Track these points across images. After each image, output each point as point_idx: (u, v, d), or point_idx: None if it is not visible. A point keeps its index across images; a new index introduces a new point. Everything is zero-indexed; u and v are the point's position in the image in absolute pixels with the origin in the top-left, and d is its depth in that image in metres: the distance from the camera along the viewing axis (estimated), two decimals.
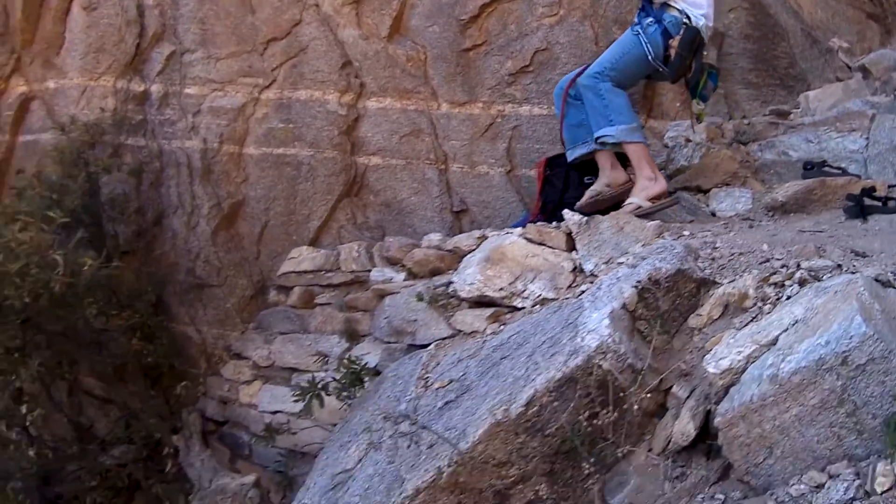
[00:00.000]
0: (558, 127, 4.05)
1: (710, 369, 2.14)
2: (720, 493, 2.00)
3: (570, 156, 3.87)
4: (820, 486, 1.76)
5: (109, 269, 4.42)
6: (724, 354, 2.15)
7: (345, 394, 3.65)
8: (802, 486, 1.79)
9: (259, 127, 5.11)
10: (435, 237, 4.06)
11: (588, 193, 3.75)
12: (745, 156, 4.15)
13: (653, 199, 3.57)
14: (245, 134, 5.13)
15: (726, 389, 2.08)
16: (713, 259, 2.72)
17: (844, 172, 3.60)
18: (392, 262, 4.19)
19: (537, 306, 3.20)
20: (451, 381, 2.91)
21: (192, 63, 5.23)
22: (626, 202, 3.62)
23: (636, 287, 2.52)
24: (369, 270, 4.22)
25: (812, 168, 3.64)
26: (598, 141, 3.66)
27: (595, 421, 2.25)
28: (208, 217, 5.07)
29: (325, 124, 4.97)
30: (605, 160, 3.78)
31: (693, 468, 2.14)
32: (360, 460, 2.96)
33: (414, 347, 3.64)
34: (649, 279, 2.53)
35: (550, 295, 3.20)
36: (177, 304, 5.15)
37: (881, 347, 1.74)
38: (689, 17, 3.64)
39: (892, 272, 2.23)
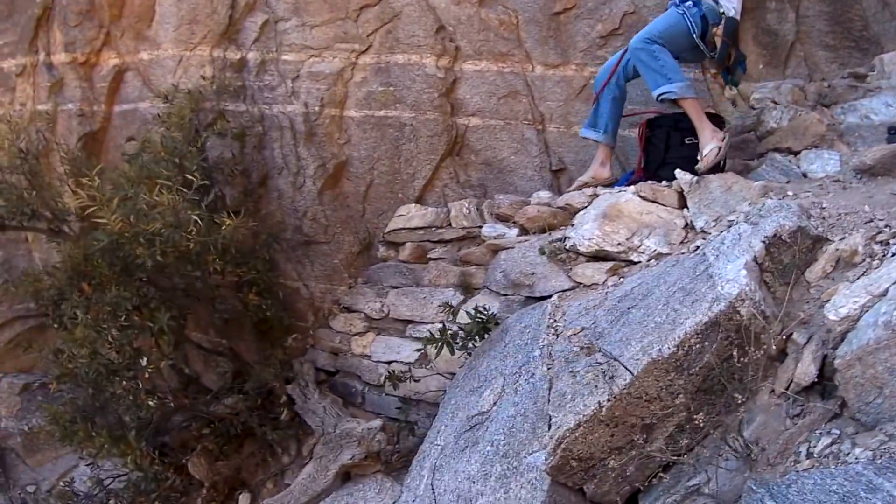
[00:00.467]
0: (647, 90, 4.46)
1: (831, 316, 2.47)
2: (836, 429, 2.25)
3: (584, 133, 4.46)
4: None
5: (232, 229, 4.68)
6: (842, 303, 2.45)
7: (471, 343, 3.92)
8: None
9: (359, 90, 5.36)
10: (545, 194, 4.34)
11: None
12: (830, 118, 4.39)
13: (721, 140, 3.91)
14: (345, 97, 5.39)
15: (843, 335, 2.36)
16: (823, 218, 3.02)
17: None
18: (502, 219, 4.47)
19: (652, 260, 3.51)
20: (582, 329, 3.20)
21: (286, 31, 5.48)
22: (706, 150, 3.92)
23: (764, 242, 2.81)
24: (480, 226, 4.50)
25: None
26: (660, 98, 3.97)
27: (733, 362, 2.53)
28: (314, 177, 5.37)
29: (424, 87, 5.22)
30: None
31: (811, 407, 2.40)
32: (496, 403, 3.26)
33: (532, 300, 3.92)
34: (775, 235, 2.82)
35: (665, 250, 3.52)
36: (284, 261, 5.46)
37: None
38: (723, 9, 4.06)
39: None
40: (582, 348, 3.03)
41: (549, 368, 3.08)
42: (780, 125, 4.42)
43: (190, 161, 4.84)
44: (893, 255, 2.56)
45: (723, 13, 4.09)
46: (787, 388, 2.49)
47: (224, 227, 4.53)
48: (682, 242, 3.55)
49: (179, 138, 5.00)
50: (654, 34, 4.04)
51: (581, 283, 3.73)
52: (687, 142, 4.19)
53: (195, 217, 4.42)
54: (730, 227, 3.22)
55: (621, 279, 3.51)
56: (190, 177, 4.62)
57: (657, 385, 2.60)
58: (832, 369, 2.32)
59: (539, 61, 5.13)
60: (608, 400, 2.61)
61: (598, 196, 4.03)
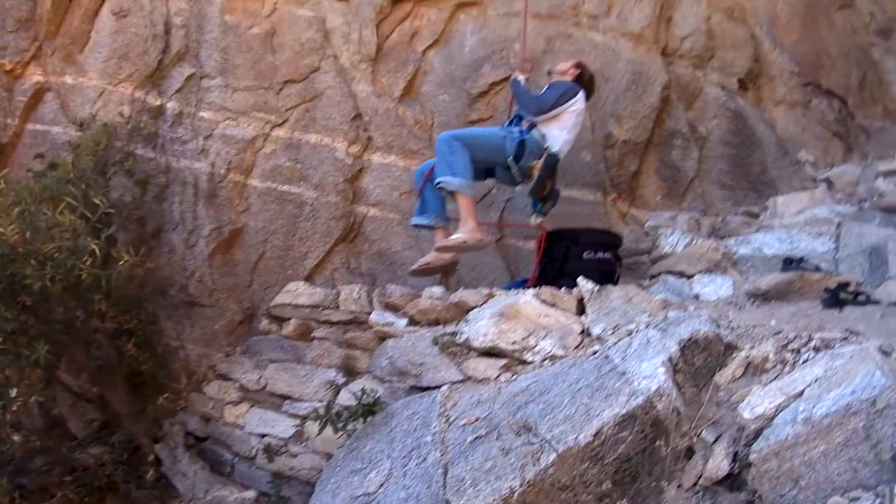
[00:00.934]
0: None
1: (745, 415, 2.69)
2: None
3: (414, 221, 4.66)
4: None
5: (128, 266, 4.55)
6: (757, 403, 2.68)
7: (352, 424, 3.93)
8: None
9: (266, 162, 5.45)
10: (437, 290, 4.43)
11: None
12: (724, 248, 4.71)
13: (471, 243, 4.32)
14: (252, 165, 5.47)
15: (757, 433, 2.59)
16: (731, 328, 3.31)
17: (818, 269, 4.12)
18: (392, 308, 4.54)
19: (546, 361, 3.62)
20: (477, 419, 3.27)
21: (209, 89, 5.56)
22: (456, 235, 4.32)
23: (680, 345, 3.03)
24: (368, 313, 4.56)
25: (791, 263, 4.19)
26: (438, 185, 4.30)
27: (646, 454, 2.71)
28: (208, 238, 5.35)
29: (331, 170, 5.36)
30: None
31: (722, 500, 2.60)
32: (382, 485, 3.29)
33: (417, 389, 3.97)
34: (690, 338, 3.06)
35: (559, 352, 3.64)
36: (165, 318, 5.39)
37: (895, 396, 2.34)
38: (549, 144, 4.44)
39: (888, 344, 2.83)
40: (478, 437, 3.13)
41: (442, 454, 3.17)
42: (674, 250, 4.74)
43: (96, 190, 4.76)
44: (805, 361, 2.87)
45: (546, 148, 4.43)
46: (695, 484, 2.69)
47: (121, 263, 4.42)
48: (577, 347, 3.70)
49: (90, 165, 4.92)
50: (463, 136, 4.40)
51: (472, 377, 3.84)
52: (586, 256, 4.52)
53: (93, 246, 4.31)
54: (630, 335, 3.40)
55: (514, 376, 3.64)
56: (97, 201, 4.56)
57: (571, 474, 2.71)
58: (745, 464, 2.55)
59: None
60: (520, 485, 2.73)
61: (493, 296, 4.17)
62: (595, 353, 3.39)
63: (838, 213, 4.83)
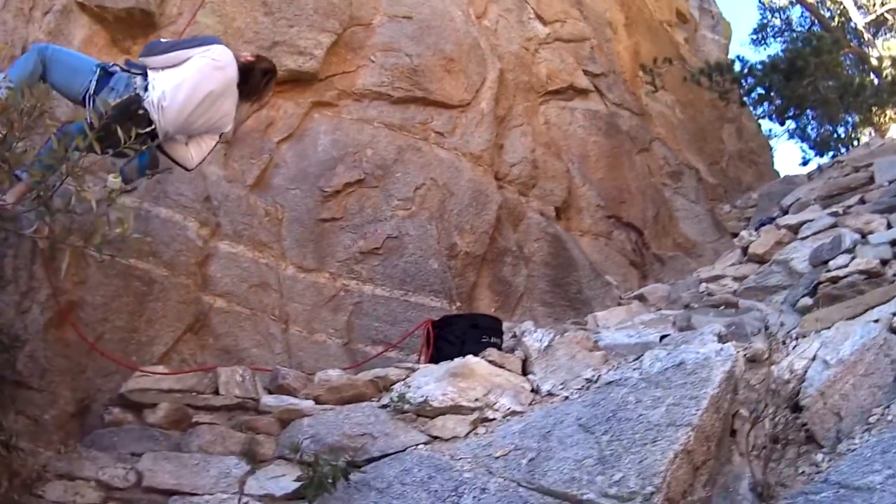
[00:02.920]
0: (398, 310, 5.65)
1: (785, 376, 3.91)
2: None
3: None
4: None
5: None
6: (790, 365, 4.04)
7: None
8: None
9: (110, 231, 5.42)
10: (334, 373, 5.03)
11: None
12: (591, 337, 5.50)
13: None
14: (93, 232, 5.56)
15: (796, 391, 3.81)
16: None
17: None
18: (285, 391, 4.96)
19: (507, 417, 4.32)
20: (514, 449, 3.88)
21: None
22: None
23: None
24: (255, 398, 4.86)
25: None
26: None
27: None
28: (44, 306, 4.88)
29: (183, 248, 5.55)
30: None
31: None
32: None
33: (360, 463, 4.15)
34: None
35: (518, 408, 4.38)
36: None
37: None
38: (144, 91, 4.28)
39: None
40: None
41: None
42: (541, 343, 5.38)
43: None
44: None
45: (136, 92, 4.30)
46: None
47: None
48: (531, 403, 4.47)
49: None
50: (50, 49, 4.44)
51: (439, 437, 4.32)
52: (483, 340, 5.31)
53: None
54: (581, 388, 4.34)
55: (490, 430, 4.23)
56: None
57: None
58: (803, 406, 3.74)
59: (294, 262, 6.00)
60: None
61: (415, 370, 4.88)
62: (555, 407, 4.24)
63: (666, 315, 6.08)
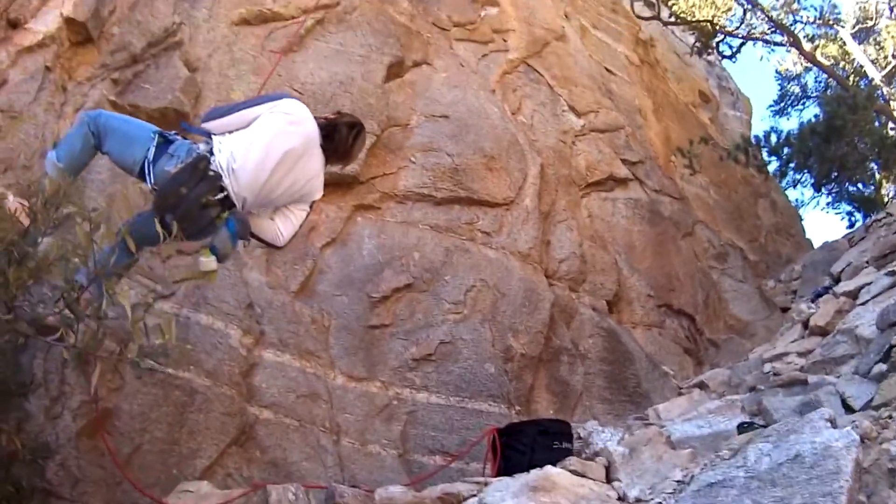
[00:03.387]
0: (455, 417, 5.33)
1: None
2: None
3: None
4: None
5: None
6: None
7: None
8: None
9: (150, 341, 5.43)
10: (396, 489, 4.66)
11: None
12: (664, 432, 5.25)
13: None
14: (129, 338, 5.41)
15: None
16: None
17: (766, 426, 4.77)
18: None
19: None
20: None
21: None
22: None
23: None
24: None
25: (746, 425, 4.75)
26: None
27: None
28: (76, 413, 4.74)
29: (225, 357, 5.42)
30: None
31: None
32: None
33: None
34: None
35: None
36: None
37: None
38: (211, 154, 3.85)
39: None
40: None
41: None
42: (608, 445, 5.19)
43: None
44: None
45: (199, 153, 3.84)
46: None
47: None
48: None
49: None
50: (105, 117, 4.09)
51: None
52: (555, 445, 5.07)
53: None
54: (673, 492, 3.99)
55: None
56: None
57: None
58: None
59: (343, 371, 5.80)
60: None
61: (487, 484, 4.56)
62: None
63: (732, 400, 5.73)
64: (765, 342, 8.09)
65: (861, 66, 16.50)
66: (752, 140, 10.24)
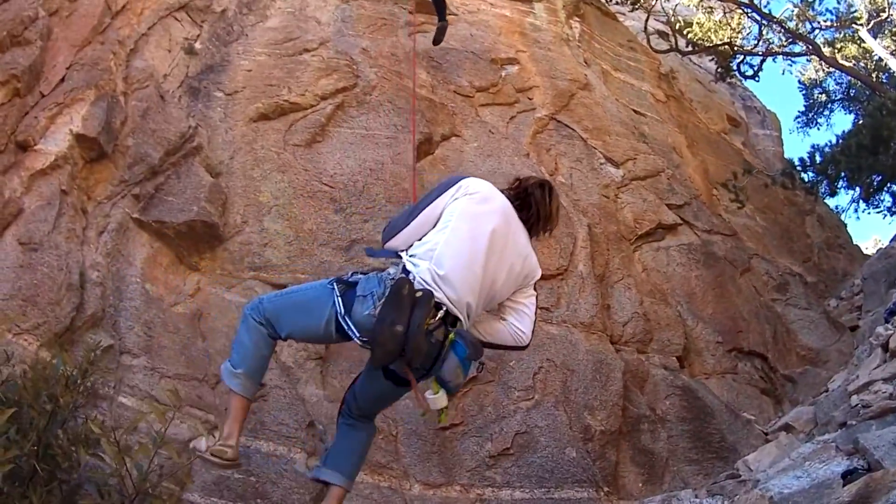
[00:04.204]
0: None
1: None
2: None
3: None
4: None
5: None
6: None
7: None
8: None
9: (207, 472, 5.03)
10: None
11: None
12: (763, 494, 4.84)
13: (215, 454, 3.59)
14: (188, 476, 5.17)
15: None
16: None
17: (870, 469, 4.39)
18: None
19: None
20: None
21: (131, 368, 5.21)
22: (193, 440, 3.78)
23: None
24: None
25: (851, 473, 4.38)
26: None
27: None
28: None
29: (293, 485, 5.16)
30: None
31: None
32: None
33: None
34: None
35: None
36: None
37: None
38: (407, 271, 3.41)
39: None
40: None
41: None
42: None
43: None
44: None
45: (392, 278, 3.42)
46: None
47: None
48: None
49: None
50: (269, 297, 3.76)
51: None
52: None
53: None
54: None
55: None
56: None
57: None
58: None
59: (419, 479, 5.49)
60: None
61: None
62: None
63: (824, 441, 5.33)
64: (840, 367, 7.74)
65: (882, 60, 16.17)
66: (797, 161, 9.90)
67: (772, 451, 5.95)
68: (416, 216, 3.55)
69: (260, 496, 5.11)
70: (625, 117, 9.28)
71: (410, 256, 3.44)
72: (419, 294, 3.25)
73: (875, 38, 16.74)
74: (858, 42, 16.96)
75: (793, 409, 6.99)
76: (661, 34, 12.40)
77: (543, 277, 6.53)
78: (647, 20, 12.90)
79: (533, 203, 3.68)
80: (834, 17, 16.47)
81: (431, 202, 3.56)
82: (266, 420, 5.43)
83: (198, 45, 7.51)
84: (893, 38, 16.98)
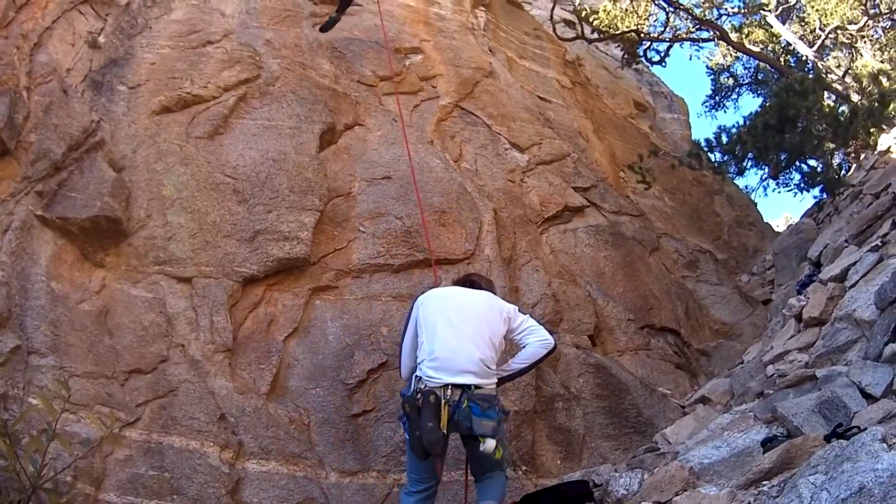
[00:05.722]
0: (462, 492, 5.14)
1: None
2: None
3: None
4: None
5: None
6: None
7: None
8: None
9: (121, 470, 5.06)
10: None
11: None
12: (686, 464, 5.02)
13: None
14: (102, 475, 5.01)
15: None
16: None
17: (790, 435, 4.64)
18: None
19: None
20: None
21: (40, 368, 5.17)
22: None
23: None
24: None
25: (771, 441, 4.61)
26: None
27: None
28: None
29: (208, 479, 5.15)
30: None
31: None
32: None
33: None
34: None
35: None
36: None
37: None
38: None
39: None
40: None
41: None
42: (629, 490, 5.11)
43: None
44: None
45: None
46: None
47: None
48: None
49: None
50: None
51: None
52: None
53: None
54: None
55: None
56: None
57: None
58: None
59: (334, 467, 5.52)
60: None
61: None
62: None
63: (742, 411, 5.61)
64: (754, 340, 8.09)
65: (790, 45, 16.72)
66: (703, 142, 10.19)
67: (689, 423, 6.20)
68: (403, 342, 4.70)
69: (175, 492, 5.13)
70: (530, 104, 9.47)
71: (419, 363, 4.45)
72: (419, 398, 4.29)
73: (784, 23, 17.30)
74: (766, 27, 17.50)
75: (709, 382, 7.25)
76: (568, 22, 12.65)
77: (450, 262, 6.73)
78: (552, 9, 13.17)
79: (470, 280, 4.98)
80: (742, 4, 17.00)
81: (407, 324, 4.71)
82: (177, 415, 5.44)
83: (101, 39, 7.43)
84: (802, 23, 17.55)
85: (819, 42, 14.98)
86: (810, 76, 10.47)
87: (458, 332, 4.44)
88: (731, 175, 11.32)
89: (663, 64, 14.65)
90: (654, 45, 14.64)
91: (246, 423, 5.54)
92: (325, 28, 8.36)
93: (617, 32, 13.12)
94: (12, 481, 3.68)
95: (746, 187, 14.51)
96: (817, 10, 15.04)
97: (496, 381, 4.51)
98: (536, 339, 4.65)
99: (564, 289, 7.34)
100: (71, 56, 7.02)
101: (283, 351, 5.97)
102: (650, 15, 15.07)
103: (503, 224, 7.44)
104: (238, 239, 6.31)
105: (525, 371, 4.75)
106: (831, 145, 10.49)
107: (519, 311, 4.77)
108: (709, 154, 10.36)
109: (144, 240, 6.16)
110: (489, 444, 4.23)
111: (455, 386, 4.29)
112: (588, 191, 8.76)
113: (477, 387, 4.32)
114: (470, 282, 4.95)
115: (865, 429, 3.80)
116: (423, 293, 4.84)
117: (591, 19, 13.36)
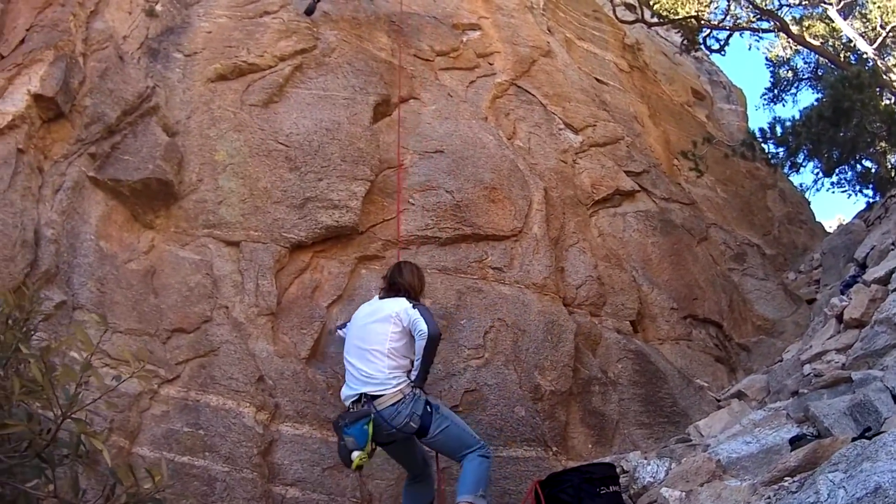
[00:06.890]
0: (491, 468, 5.02)
1: None
2: None
3: None
4: None
5: None
6: None
7: None
8: None
9: (157, 426, 5.14)
10: None
11: None
12: (714, 457, 4.98)
13: None
14: (137, 429, 5.10)
15: None
16: None
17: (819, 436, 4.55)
18: None
19: None
20: None
21: (84, 324, 5.17)
22: None
23: None
24: None
25: (799, 439, 4.57)
26: None
27: None
28: None
29: (241, 439, 5.21)
30: None
31: None
32: None
33: None
34: None
35: None
36: None
37: None
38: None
39: None
40: None
41: None
42: (656, 478, 5.09)
43: None
44: None
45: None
46: None
47: None
48: None
49: None
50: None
51: None
52: (602, 492, 4.81)
53: None
54: None
55: None
56: None
57: None
58: None
59: None
60: None
61: None
62: None
63: (776, 409, 5.49)
64: (795, 338, 7.89)
65: (850, 41, 16.25)
66: (757, 133, 9.94)
67: (723, 417, 6.08)
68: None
69: (208, 449, 5.17)
70: (586, 85, 9.33)
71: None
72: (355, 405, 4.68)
73: (845, 19, 16.81)
74: (827, 21, 17.01)
75: (746, 378, 7.12)
76: (628, 5, 12.39)
77: (497, 238, 6.67)
78: None
79: (390, 278, 5.08)
80: None
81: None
82: (216, 374, 5.47)
83: (158, 7, 7.43)
84: (863, 19, 17.05)
85: (879, 40, 14.51)
86: (867, 70, 10.12)
87: (359, 348, 4.77)
88: (785, 171, 11.05)
89: (723, 52, 14.23)
90: (714, 32, 14.23)
91: (284, 386, 5.57)
92: (309, 10, 8.14)
93: (677, 17, 12.77)
94: (44, 409, 3.70)
95: (801, 185, 14.19)
96: (879, 8, 14.56)
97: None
98: (417, 333, 4.68)
99: (610, 272, 7.25)
100: (127, 24, 7.03)
101: (326, 317, 5.98)
102: (711, 1, 14.70)
103: (553, 204, 7.35)
104: (288, 205, 6.31)
105: (424, 364, 4.72)
106: (885, 144, 10.18)
107: (413, 307, 4.78)
108: (762, 144, 10.14)
109: (195, 203, 6.18)
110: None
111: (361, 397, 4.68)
112: (640, 175, 8.62)
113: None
114: (391, 282, 5.06)
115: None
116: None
117: (651, 3, 13.05)
